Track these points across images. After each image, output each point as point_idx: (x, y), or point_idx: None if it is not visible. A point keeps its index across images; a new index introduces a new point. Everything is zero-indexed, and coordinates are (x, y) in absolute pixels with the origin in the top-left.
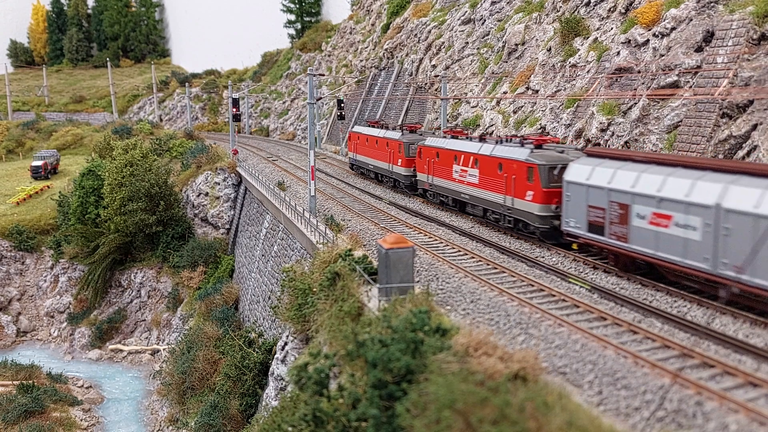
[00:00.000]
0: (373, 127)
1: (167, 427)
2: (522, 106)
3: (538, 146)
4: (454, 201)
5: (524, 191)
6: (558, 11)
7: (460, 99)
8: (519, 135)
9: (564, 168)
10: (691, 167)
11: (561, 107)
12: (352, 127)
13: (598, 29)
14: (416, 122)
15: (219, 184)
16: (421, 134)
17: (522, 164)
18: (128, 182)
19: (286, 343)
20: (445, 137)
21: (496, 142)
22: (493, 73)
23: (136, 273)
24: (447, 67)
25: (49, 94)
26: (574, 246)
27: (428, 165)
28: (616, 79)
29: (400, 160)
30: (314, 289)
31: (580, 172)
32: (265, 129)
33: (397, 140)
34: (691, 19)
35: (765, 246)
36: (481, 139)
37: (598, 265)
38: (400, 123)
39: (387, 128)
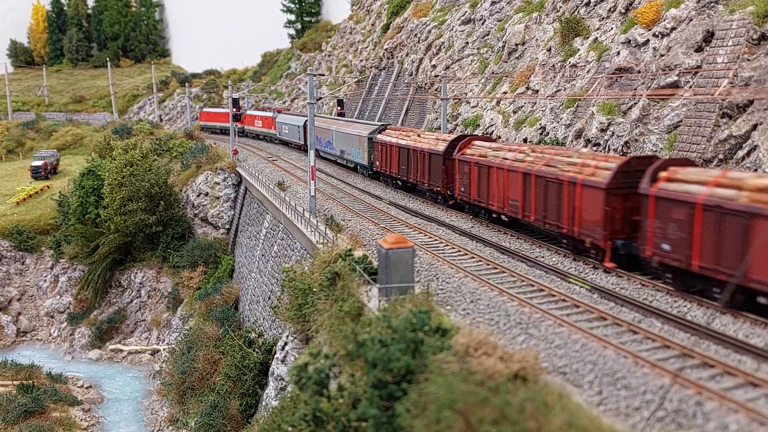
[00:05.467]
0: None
1: (167, 427)
2: (522, 106)
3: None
4: (271, 138)
5: (271, 126)
6: (558, 11)
7: (460, 99)
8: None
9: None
10: (292, 115)
11: (561, 107)
12: (204, 108)
13: (598, 29)
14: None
15: (219, 184)
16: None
17: (270, 118)
18: (128, 182)
19: (286, 343)
20: (276, 114)
21: (273, 111)
22: (493, 73)
23: (136, 273)
24: (447, 67)
25: (49, 94)
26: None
27: (256, 125)
28: (616, 79)
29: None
30: (314, 289)
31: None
32: None
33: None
34: (691, 19)
35: (289, 129)
36: (269, 110)
37: (598, 266)
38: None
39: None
